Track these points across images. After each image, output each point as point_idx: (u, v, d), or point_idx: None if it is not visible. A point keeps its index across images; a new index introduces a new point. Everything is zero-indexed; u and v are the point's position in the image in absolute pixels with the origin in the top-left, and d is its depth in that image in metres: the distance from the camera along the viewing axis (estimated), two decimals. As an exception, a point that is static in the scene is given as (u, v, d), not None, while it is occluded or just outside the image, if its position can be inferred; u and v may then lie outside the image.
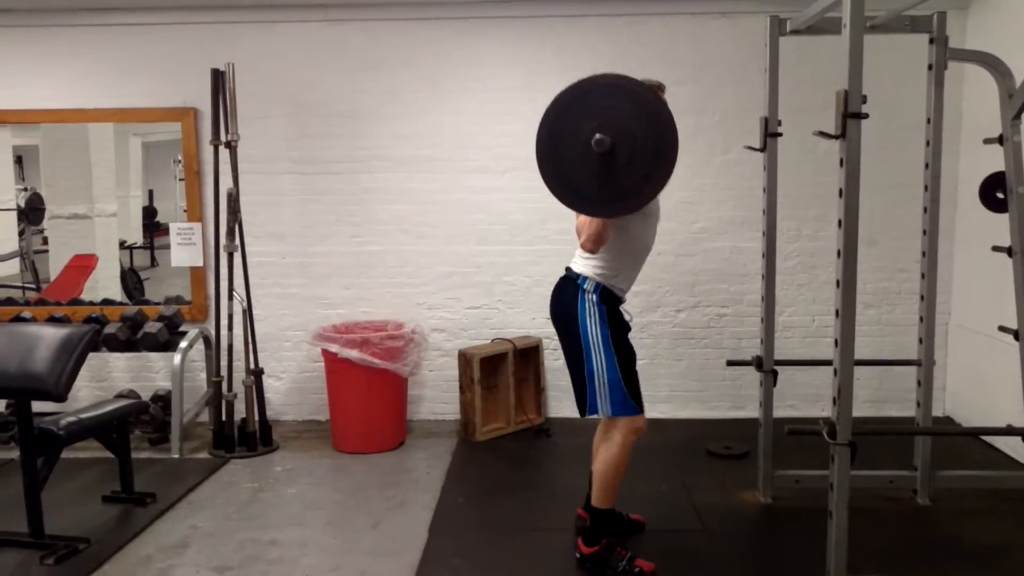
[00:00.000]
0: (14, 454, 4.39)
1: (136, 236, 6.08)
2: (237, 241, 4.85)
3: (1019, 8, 4.47)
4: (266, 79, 5.17)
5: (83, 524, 3.74)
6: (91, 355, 3.86)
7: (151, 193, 6.16)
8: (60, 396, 3.37)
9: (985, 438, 4.75)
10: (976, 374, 4.95)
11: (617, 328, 3.23)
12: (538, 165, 2.95)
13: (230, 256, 4.83)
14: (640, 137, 2.81)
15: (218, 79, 4.76)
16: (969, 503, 3.89)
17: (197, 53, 5.10)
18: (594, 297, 3.20)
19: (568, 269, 3.35)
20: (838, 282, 2.61)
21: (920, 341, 3.84)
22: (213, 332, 5.03)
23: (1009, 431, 3.88)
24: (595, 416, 3.27)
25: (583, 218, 3.11)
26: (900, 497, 3.94)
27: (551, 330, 5.16)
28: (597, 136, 2.74)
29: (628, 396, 3.20)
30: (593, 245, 3.11)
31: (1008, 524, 3.71)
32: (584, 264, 3.26)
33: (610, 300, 3.22)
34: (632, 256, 3.28)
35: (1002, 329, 3.89)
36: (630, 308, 3.38)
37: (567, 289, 3.30)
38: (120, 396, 5.03)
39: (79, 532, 3.59)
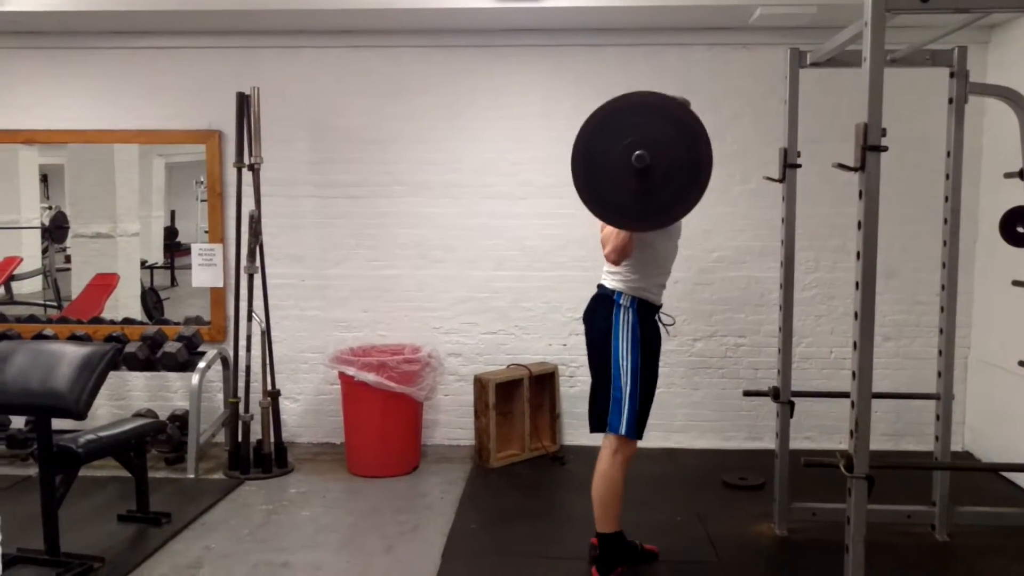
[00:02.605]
0: (32, 471, 4.43)
1: (157, 256, 6.15)
2: (258, 263, 4.89)
3: (1040, 43, 4.48)
4: (290, 103, 5.24)
5: (98, 543, 3.75)
6: (111, 373, 3.88)
7: (173, 213, 6.23)
8: (80, 414, 3.40)
9: (1005, 474, 4.68)
10: (996, 409, 4.90)
11: (649, 349, 3.29)
12: (575, 184, 3.01)
13: (250, 278, 4.87)
14: (674, 150, 2.89)
15: (243, 102, 4.83)
16: (988, 540, 3.83)
17: (223, 77, 5.18)
18: (631, 313, 3.26)
19: (600, 287, 3.41)
20: (856, 314, 2.60)
21: (939, 375, 3.82)
22: (231, 353, 5.06)
23: (1029, 467, 3.84)
24: (603, 432, 3.34)
25: (608, 230, 3.16)
26: (918, 532, 3.90)
27: (567, 356, 5.25)
28: (638, 152, 2.80)
29: (641, 421, 3.29)
30: (617, 256, 3.18)
31: (1028, 562, 3.66)
32: (614, 279, 3.32)
33: (647, 310, 3.29)
34: (657, 266, 3.35)
35: (1022, 364, 3.86)
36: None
37: (602, 306, 3.35)
38: (138, 415, 5.05)
39: (94, 551, 3.61)
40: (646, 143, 2.88)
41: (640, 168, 2.86)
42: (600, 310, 3.36)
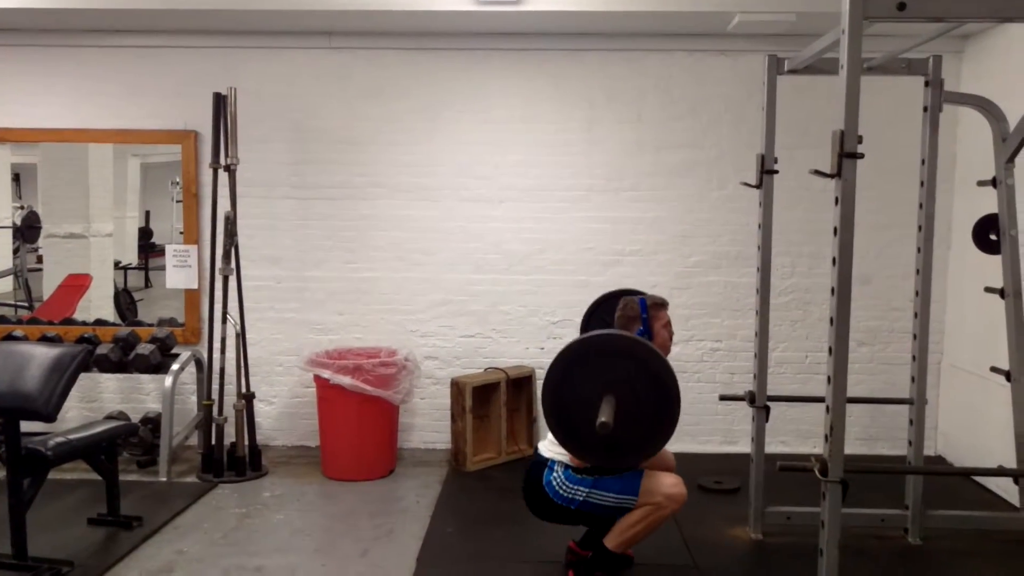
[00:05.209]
0: (0, 474, 4.35)
1: (131, 257, 6.08)
2: (233, 264, 4.85)
3: (1013, 53, 4.54)
4: (268, 104, 5.20)
5: (67, 547, 3.70)
6: (82, 375, 3.83)
7: (148, 214, 6.16)
8: (50, 416, 3.34)
9: (976, 478, 4.73)
10: (968, 414, 4.95)
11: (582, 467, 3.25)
12: (543, 410, 3.08)
13: (225, 279, 4.83)
14: (642, 399, 2.97)
15: (220, 103, 4.79)
16: (960, 543, 3.87)
17: (200, 77, 5.13)
18: (560, 472, 3.24)
19: (537, 453, 3.39)
20: (832, 319, 2.62)
21: (912, 380, 3.85)
22: (205, 355, 5.01)
23: (1000, 472, 3.89)
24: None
25: None
26: (891, 536, 3.93)
27: (545, 360, 5.18)
28: (601, 419, 2.84)
29: (623, 478, 3.21)
30: (580, 464, 3.20)
31: (997, 565, 3.69)
32: (555, 452, 3.28)
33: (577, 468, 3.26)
34: None
35: (994, 370, 3.91)
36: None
37: (532, 476, 3.33)
38: (110, 417, 4.99)
39: (63, 555, 3.56)
40: (615, 387, 2.96)
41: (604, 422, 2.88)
42: (532, 481, 3.32)
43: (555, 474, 3.23)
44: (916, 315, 3.80)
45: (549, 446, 3.31)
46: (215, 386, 4.89)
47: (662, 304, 3.40)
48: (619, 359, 2.99)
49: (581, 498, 3.18)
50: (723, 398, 4.26)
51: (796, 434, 5.29)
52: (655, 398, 2.97)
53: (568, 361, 3.02)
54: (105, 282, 5.77)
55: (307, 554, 3.77)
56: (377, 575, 3.55)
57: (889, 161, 4.77)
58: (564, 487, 3.20)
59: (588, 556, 3.42)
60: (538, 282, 5.27)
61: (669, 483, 3.22)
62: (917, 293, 3.78)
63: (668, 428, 3.02)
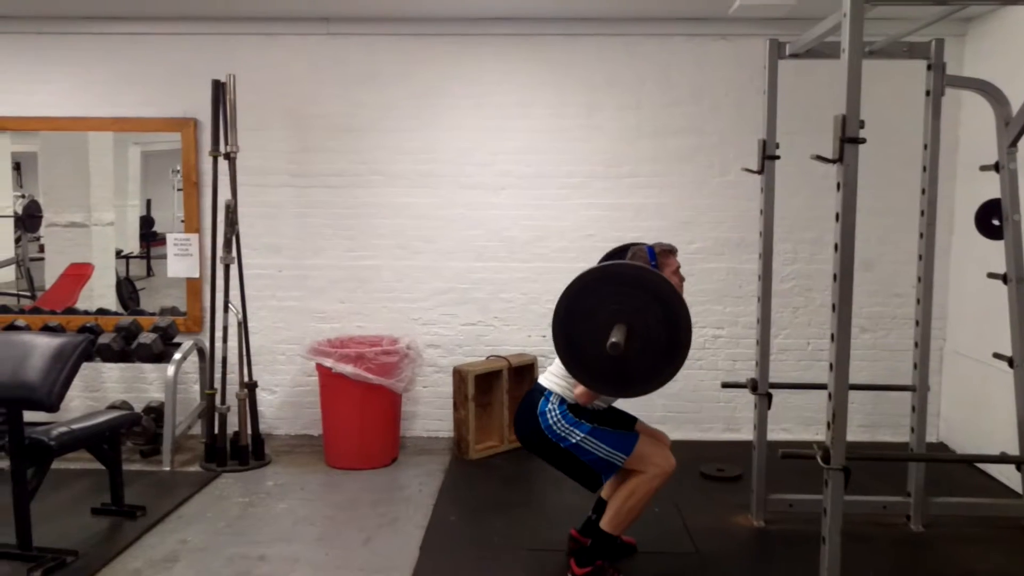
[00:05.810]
0: (4, 464, 4.36)
1: (133, 246, 6.07)
2: (234, 253, 4.84)
3: (1017, 36, 4.51)
4: (266, 91, 5.18)
5: (71, 536, 3.71)
6: (84, 365, 3.83)
7: (149, 203, 6.15)
8: (52, 406, 3.35)
9: (979, 465, 4.73)
10: (970, 401, 4.95)
11: (581, 410, 3.24)
12: (553, 334, 3.02)
13: (226, 268, 4.82)
14: (654, 329, 2.93)
15: (219, 90, 4.77)
16: (962, 530, 3.87)
17: (198, 64, 5.11)
18: (556, 406, 3.23)
19: (537, 383, 3.38)
20: (834, 306, 2.61)
21: (915, 366, 3.84)
22: (208, 344, 5.01)
23: (1003, 459, 3.89)
24: (611, 478, 3.30)
25: None
26: (893, 523, 3.93)
27: (547, 347, 5.24)
28: (612, 340, 2.82)
29: (621, 434, 3.24)
30: (586, 401, 3.21)
31: (1000, 552, 3.69)
32: (554, 383, 3.29)
33: (575, 409, 3.24)
34: (605, 401, 3.36)
35: (997, 356, 3.89)
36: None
37: (531, 400, 3.33)
38: (112, 407, 5.01)
39: (67, 544, 3.56)
40: (628, 315, 2.91)
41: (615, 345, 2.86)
42: (526, 407, 3.32)
43: (551, 405, 3.23)
44: (918, 301, 3.79)
45: (550, 377, 3.31)
46: (218, 375, 4.90)
47: (671, 250, 3.37)
48: (632, 288, 2.94)
49: (574, 440, 3.18)
50: (725, 385, 4.25)
51: (798, 421, 5.29)
52: (666, 328, 2.93)
53: (582, 284, 2.98)
54: (107, 271, 5.77)
55: (310, 543, 3.78)
56: (380, 563, 3.56)
57: (891, 146, 4.74)
58: (559, 424, 3.20)
59: (590, 544, 3.43)
60: (539, 270, 5.26)
61: (663, 454, 3.27)
62: (919, 279, 3.77)
63: (678, 359, 2.98)
